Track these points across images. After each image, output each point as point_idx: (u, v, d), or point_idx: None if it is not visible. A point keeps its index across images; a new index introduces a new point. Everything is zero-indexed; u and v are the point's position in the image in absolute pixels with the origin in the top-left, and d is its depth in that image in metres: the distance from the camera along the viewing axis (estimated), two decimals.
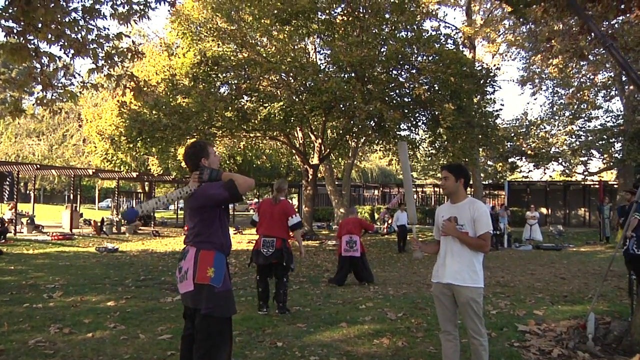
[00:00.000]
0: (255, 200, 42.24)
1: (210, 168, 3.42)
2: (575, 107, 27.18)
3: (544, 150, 27.91)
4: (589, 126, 27.90)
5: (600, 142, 26.07)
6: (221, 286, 3.33)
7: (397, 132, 17.31)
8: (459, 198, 3.96)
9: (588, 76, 26.09)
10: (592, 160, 27.86)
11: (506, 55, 30.93)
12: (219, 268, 3.35)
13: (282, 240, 6.57)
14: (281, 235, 6.59)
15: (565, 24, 9.49)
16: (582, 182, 29.43)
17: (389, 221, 20.82)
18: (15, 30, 6.83)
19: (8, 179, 20.95)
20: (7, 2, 6.61)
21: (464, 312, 3.83)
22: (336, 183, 25.41)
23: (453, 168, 4.02)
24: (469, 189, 28.61)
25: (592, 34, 6.89)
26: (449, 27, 27.75)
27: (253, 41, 17.12)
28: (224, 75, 16.52)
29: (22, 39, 6.98)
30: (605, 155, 26.55)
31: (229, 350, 3.45)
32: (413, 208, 4.32)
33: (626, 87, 24.04)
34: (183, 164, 22.93)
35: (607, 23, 8.38)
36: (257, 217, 6.94)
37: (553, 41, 10.55)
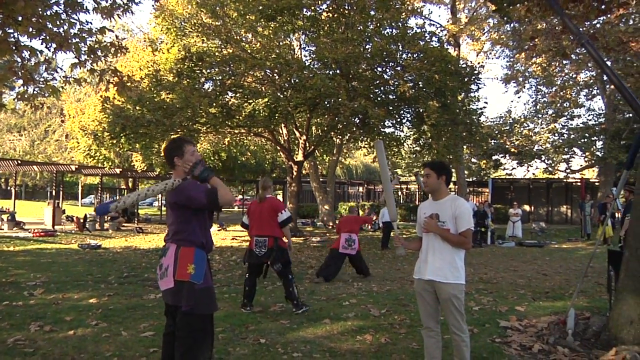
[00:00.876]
0: (240, 197, 42.13)
1: (204, 165, 3.38)
2: (558, 105, 27.44)
3: (527, 148, 28.15)
4: (571, 124, 28.21)
5: (582, 140, 26.38)
6: (202, 283, 3.31)
7: (382, 129, 17.37)
8: (441, 195, 3.99)
9: (570, 75, 26.36)
10: (574, 158, 28.17)
11: (490, 54, 31.24)
12: (199, 265, 3.33)
13: (274, 239, 6.51)
14: (273, 233, 6.52)
15: (548, 23, 9.57)
16: (565, 180, 29.76)
17: (374, 218, 20.85)
18: None
19: None
20: None
21: (445, 308, 3.86)
22: (321, 180, 25.47)
23: (435, 165, 4.05)
24: (453, 186, 28.89)
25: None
26: (434, 24, 28.06)
27: (238, 37, 17.03)
28: (208, 71, 16.42)
29: (1, 32, 6.89)
30: (587, 153, 26.87)
31: (210, 347, 3.44)
32: (393, 205, 4.32)
33: (607, 86, 24.35)
34: None
35: (588, 23, 8.47)
36: (246, 219, 6.87)
37: (536, 40, 10.64)
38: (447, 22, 28.26)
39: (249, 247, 6.69)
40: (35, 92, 8.04)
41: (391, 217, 4.31)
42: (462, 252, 3.91)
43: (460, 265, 3.87)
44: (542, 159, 29.12)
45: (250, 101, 15.81)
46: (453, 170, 26.20)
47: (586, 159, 27.65)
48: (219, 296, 7.44)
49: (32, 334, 5.25)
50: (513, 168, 30.80)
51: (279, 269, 6.49)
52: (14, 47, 7.19)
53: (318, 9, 16.13)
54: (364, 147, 21.62)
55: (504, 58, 32.05)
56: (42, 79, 8.40)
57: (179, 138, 3.67)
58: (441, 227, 3.89)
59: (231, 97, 17.22)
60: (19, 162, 24.17)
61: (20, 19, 6.68)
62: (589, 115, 28.15)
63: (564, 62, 20.05)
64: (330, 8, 16.15)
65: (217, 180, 3.38)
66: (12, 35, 7.09)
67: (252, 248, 6.58)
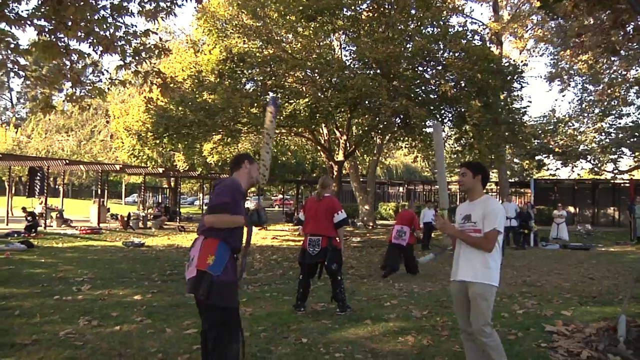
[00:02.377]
0: (280, 196, 42.38)
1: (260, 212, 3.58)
2: (605, 103, 26.64)
3: (572, 148, 27.47)
4: (619, 123, 27.36)
5: (632, 140, 25.52)
6: (220, 275, 3.33)
7: (423, 129, 17.20)
8: (475, 195, 3.96)
9: (620, 72, 25.53)
10: (622, 158, 27.32)
11: (534, 51, 30.49)
12: (220, 257, 3.37)
13: (328, 239, 6.41)
14: (327, 233, 6.41)
15: (596, 19, 9.28)
16: (612, 181, 28.86)
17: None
18: (46, 29, 6.95)
19: (39, 174, 21.38)
20: (39, 2, 6.73)
21: (471, 308, 3.81)
22: (361, 180, 25.38)
23: (471, 165, 4.03)
24: (495, 186, 28.40)
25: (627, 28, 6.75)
26: (475, 23, 27.50)
27: (278, 38, 17.13)
28: (249, 71, 16.57)
29: (53, 37, 7.10)
30: (637, 153, 26.01)
31: (237, 343, 3.43)
32: (445, 192, 4.26)
33: None
34: (208, 160, 23.24)
35: None
36: (302, 216, 6.83)
37: (583, 36, 10.33)
38: (489, 20, 27.81)
39: (303, 247, 6.64)
40: (82, 94, 8.27)
41: (441, 204, 4.25)
42: (496, 252, 3.81)
43: (494, 265, 3.78)
44: (588, 159, 28.37)
45: (291, 101, 15.88)
46: (495, 170, 25.80)
47: (636, 159, 26.77)
48: (260, 295, 7.51)
49: (81, 328, 5.40)
50: (557, 168, 30.13)
51: (336, 268, 6.42)
52: (63, 51, 7.40)
53: (358, 8, 16.07)
54: (405, 147, 21.43)
55: (547, 56, 31.27)
56: (89, 81, 8.64)
57: (249, 154, 3.92)
58: (473, 227, 3.85)
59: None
60: (67, 161, 24.90)
61: (69, 23, 6.88)
62: (639, 114, 27.23)
63: (613, 58, 19.45)
64: (371, 7, 16.07)
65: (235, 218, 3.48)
66: (62, 39, 7.30)
67: (306, 247, 6.51)
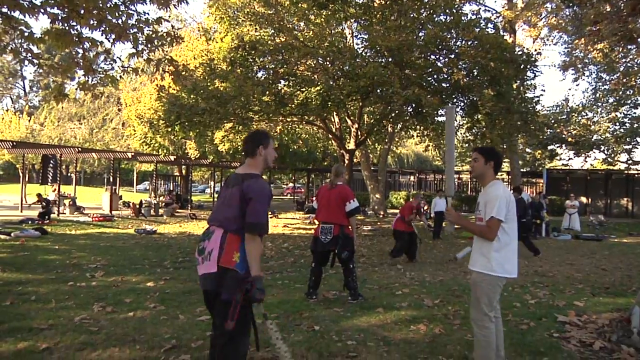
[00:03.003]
0: (291, 184, 42.42)
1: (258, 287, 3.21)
2: (620, 93, 26.33)
3: (585, 138, 27.24)
4: (634, 113, 27.05)
5: None
6: (245, 273, 3.23)
7: (435, 118, 17.11)
8: (485, 182, 3.89)
9: (636, 61, 25.17)
10: (637, 148, 27.04)
11: (548, 40, 30.14)
12: (244, 254, 3.26)
13: (340, 227, 6.42)
14: (339, 221, 6.42)
15: (613, 6, 9.14)
16: (626, 171, 28.59)
17: (425, 208, 20.64)
18: (59, 17, 6.97)
19: (52, 162, 21.57)
20: None
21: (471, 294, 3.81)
22: (372, 168, 25.35)
23: (484, 150, 3.95)
24: (507, 176, 28.23)
25: None
26: (489, 10, 27.34)
27: (290, 25, 17.06)
28: (261, 59, 16.52)
29: (66, 25, 7.13)
30: None
31: (249, 335, 3.39)
32: (452, 179, 4.23)
33: None
34: (220, 148, 23.29)
35: None
36: (316, 204, 6.85)
37: (599, 24, 10.19)
38: (503, 7, 27.50)
39: (315, 235, 6.64)
40: (94, 82, 8.31)
41: (447, 191, 4.21)
42: (502, 242, 3.71)
43: (496, 255, 3.70)
44: (601, 149, 28.12)
45: (303, 89, 15.84)
46: (507, 160, 25.63)
47: None
48: (272, 283, 7.55)
49: (95, 314, 5.46)
50: (570, 158, 29.91)
51: (347, 256, 6.43)
52: (76, 39, 7.43)
53: None
54: (417, 135, 21.35)
55: (561, 44, 31.00)
56: (101, 69, 8.67)
57: (264, 131, 3.72)
58: (478, 215, 3.83)
59: (284, 85, 17.29)
60: (80, 149, 25.07)
61: (82, 11, 6.89)
62: None
63: (629, 47, 19.18)
64: None
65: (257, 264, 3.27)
66: (74, 27, 7.32)
67: (318, 235, 6.52)
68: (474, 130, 18.35)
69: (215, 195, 33.67)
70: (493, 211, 3.64)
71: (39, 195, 19.64)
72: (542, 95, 25.37)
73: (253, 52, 16.06)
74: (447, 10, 15.77)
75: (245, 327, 3.32)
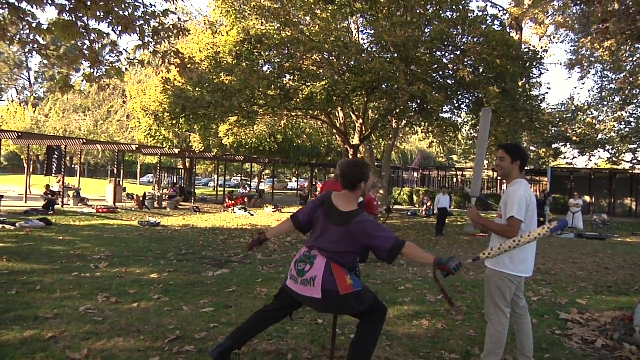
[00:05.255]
0: (294, 178, 42.45)
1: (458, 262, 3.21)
2: (627, 92, 26.23)
3: (590, 137, 27.17)
4: None
5: None
6: (362, 286, 3.43)
7: (440, 114, 17.11)
8: (510, 180, 3.85)
9: None
10: None
11: (554, 38, 30.10)
12: (351, 274, 3.43)
13: None
14: None
15: (621, 4, 9.11)
16: (630, 171, 28.53)
17: (428, 204, 20.66)
18: (67, 8, 6.99)
19: (56, 153, 21.63)
20: None
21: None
22: (376, 164, 25.33)
23: (510, 148, 3.86)
24: None
25: None
26: (495, 7, 27.21)
27: (296, 20, 17.04)
28: (267, 53, 16.52)
29: (73, 16, 7.14)
30: None
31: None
32: (479, 180, 4.19)
33: None
34: (224, 141, 23.32)
35: None
36: None
37: (607, 23, 10.15)
38: (510, 4, 27.43)
39: None
40: (100, 74, 8.33)
41: (473, 191, 4.19)
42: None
43: (510, 255, 3.66)
44: (606, 148, 28.05)
45: (308, 84, 15.83)
46: None
47: None
48: (276, 277, 7.58)
49: (100, 304, 5.49)
50: (574, 157, 29.89)
51: None
52: (83, 31, 7.45)
53: None
54: (422, 132, 21.35)
55: (568, 42, 30.85)
56: (107, 61, 8.69)
57: (365, 162, 3.72)
58: (498, 212, 3.83)
59: (289, 79, 17.29)
60: (84, 141, 25.13)
61: (89, 3, 6.91)
62: None
63: (637, 46, 19.10)
64: None
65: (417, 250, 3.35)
66: (81, 19, 7.33)
67: None
68: (478, 128, 18.33)
69: (220, 189, 33.73)
70: (513, 211, 3.60)
71: (47, 187, 19.75)
72: (547, 93, 25.41)
73: (259, 46, 16.05)
74: (454, 7, 15.73)
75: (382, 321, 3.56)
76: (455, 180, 35.61)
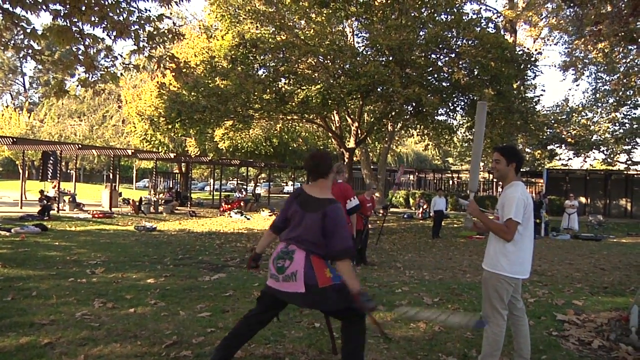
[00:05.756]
0: (290, 182, 42.42)
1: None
2: (620, 93, 26.35)
3: (584, 138, 27.25)
4: (634, 113, 27.07)
5: None
6: (340, 281, 3.41)
7: (435, 117, 17.15)
8: (506, 182, 3.85)
9: (636, 61, 25.19)
10: (636, 149, 27.06)
11: (548, 40, 30.21)
12: (331, 268, 3.45)
13: None
14: None
15: (614, 6, 9.16)
16: (625, 172, 28.63)
17: (424, 207, 20.69)
18: (61, 13, 6.99)
19: (52, 158, 21.56)
20: None
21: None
22: (372, 167, 25.37)
23: (505, 151, 3.87)
24: None
25: None
26: (490, 10, 27.35)
27: (291, 24, 17.09)
28: (262, 57, 16.55)
29: (67, 21, 7.15)
30: None
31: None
32: (477, 175, 4.18)
33: None
34: (220, 145, 23.32)
35: None
36: None
37: (600, 25, 10.21)
38: (504, 7, 27.55)
39: None
40: (95, 79, 8.33)
41: (471, 187, 4.19)
42: (515, 243, 3.69)
43: (507, 257, 3.69)
44: (601, 149, 28.14)
45: (304, 87, 15.87)
46: None
47: None
48: None
49: (96, 310, 5.48)
50: (569, 159, 29.94)
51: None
52: (78, 36, 7.45)
53: None
54: (417, 134, 21.40)
55: (562, 44, 31.05)
56: (102, 66, 8.69)
57: (327, 153, 3.82)
58: (495, 214, 3.84)
59: (284, 83, 17.32)
60: (80, 146, 25.07)
61: (84, 8, 6.91)
62: None
63: (630, 47, 19.20)
64: None
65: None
66: (76, 24, 7.34)
67: None
68: (473, 130, 18.38)
69: (216, 194, 33.69)
70: (511, 213, 3.61)
71: (41, 192, 19.67)
72: (542, 95, 25.50)
73: (254, 50, 16.08)
74: (448, 10, 15.81)
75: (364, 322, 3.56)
76: (451, 182, 35.63)
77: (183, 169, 34.45)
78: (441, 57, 16.79)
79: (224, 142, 22.28)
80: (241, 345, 3.74)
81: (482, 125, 4.21)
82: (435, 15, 15.98)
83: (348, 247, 3.37)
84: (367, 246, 10.51)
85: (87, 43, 7.77)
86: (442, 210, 16.83)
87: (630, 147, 26.88)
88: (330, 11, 15.74)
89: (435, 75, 17.05)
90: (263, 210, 26.21)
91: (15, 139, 21.76)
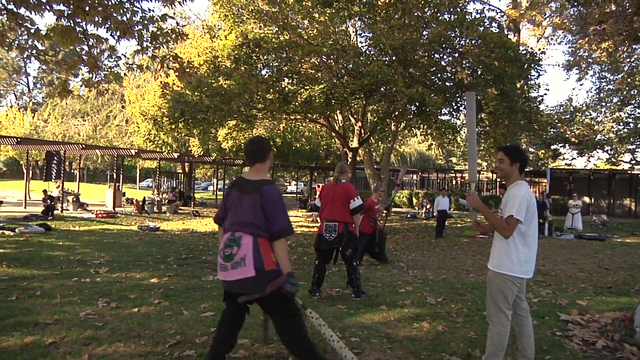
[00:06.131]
0: (293, 182, 42.43)
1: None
2: (625, 92, 26.27)
3: (588, 138, 27.20)
4: (638, 113, 26.98)
5: None
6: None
7: (438, 117, 17.12)
8: (510, 182, 3.84)
9: None
10: None
11: (552, 39, 30.12)
12: None
13: (345, 225, 6.41)
14: (343, 219, 6.41)
15: (618, 5, 9.12)
16: (629, 171, 28.55)
17: (428, 206, 20.66)
18: (65, 14, 7.00)
19: (55, 158, 21.61)
20: None
21: None
22: (375, 167, 25.34)
23: (509, 150, 3.86)
24: None
25: None
26: (493, 9, 27.28)
27: (294, 23, 17.06)
28: (265, 57, 16.53)
29: (71, 22, 7.16)
30: None
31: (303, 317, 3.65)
32: (474, 164, 4.15)
33: None
34: (223, 145, 23.31)
35: None
36: (319, 202, 6.79)
37: (604, 24, 10.16)
38: (507, 6, 27.50)
39: (319, 232, 6.65)
40: (98, 79, 8.34)
41: (470, 177, 4.18)
42: (519, 243, 3.68)
43: (511, 256, 3.68)
44: (605, 149, 28.07)
45: (307, 87, 15.84)
46: None
47: None
48: None
49: (100, 309, 5.49)
50: (573, 158, 29.91)
51: (351, 254, 6.45)
52: (81, 36, 7.46)
53: None
54: (420, 134, 21.38)
55: (566, 44, 30.99)
56: (105, 66, 8.70)
57: (263, 138, 3.89)
58: (499, 213, 3.84)
59: (288, 83, 17.31)
60: (84, 146, 25.13)
61: (87, 8, 6.92)
62: None
63: (634, 46, 19.14)
64: None
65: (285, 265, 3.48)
66: (80, 24, 7.35)
67: (322, 232, 6.52)
68: (477, 129, 18.36)
69: (219, 193, 33.71)
70: (513, 210, 3.60)
71: (45, 192, 19.74)
72: (545, 94, 25.35)
73: (257, 49, 16.07)
74: (452, 9, 15.75)
75: (300, 315, 3.61)
76: (454, 182, 35.58)
77: (186, 168, 34.49)
78: (444, 56, 16.74)
79: (227, 142, 22.27)
80: (230, 349, 3.77)
81: (473, 113, 4.23)
82: (439, 14, 15.93)
83: (285, 226, 3.46)
84: (384, 246, 10.74)
85: (90, 43, 7.78)
86: (446, 210, 16.82)
87: (634, 146, 26.84)
88: (334, 11, 15.71)
89: (439, 75, 17.00)
90: None
91: (19, 139, 21.83)
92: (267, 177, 3.66)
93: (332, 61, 16.12)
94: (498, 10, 26.10)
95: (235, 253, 3.44)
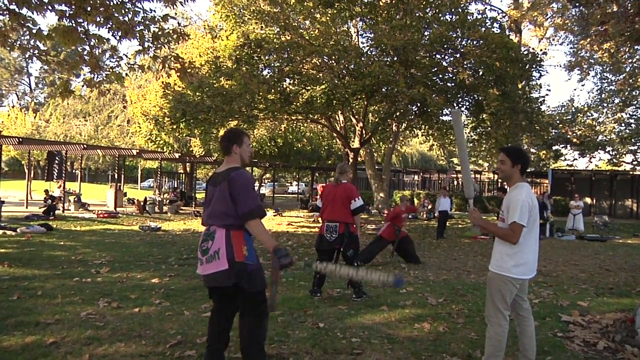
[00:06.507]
0: (295, 183, 42.43)
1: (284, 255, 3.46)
2: (626, 93, 26.24)
3: (590, 138, 27.17)
4: None
5: None
6: (255, 263, 3.51)
7: (440, 117, 17.10)
8: (511, 183, 3.83)
9: None
10: None
11: (553, 40, 30.13)
12: (250, 247, 3.52)
13: (346, 225, 6.42)
14: (344, 219, 6.42)
15: (620, 6, 9.11)
16: (631, 172, 28.51)
17: (429, 207, 20.65)
18: (67, 14, 7.01)
19: (57, 158, 21.64)
20: None
21: None
22: (376, 167, 25.34)
23: (511, 151, 3.85)
24: None
25: None
26: (494, 10, 27.27)
27: (296, 24, 17.06)
28: (266, 57, 16.53)
29: (73, 22, 7.17)
30: None
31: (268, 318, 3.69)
32: (470, 181, 4.14)
33: None
34: None
35: None
36: (320, 202, 6.80)
37: (606, 25, 10.15)
38: (509, 7, 27.48)
39: (320, 232, 6.66)
40: (100, 79, 8.35)
41: (467, 194, 4.14)
42: (520, 245, 3.66)
43: (511, 257, 3.68)
44: (607, 149, 28.05)
45: (308, 88, 15.83)
46: None
47: None
48: None
49: (101, 309, 5.50)
50: (574, 159, 29.90)
51: (352, 254, 6.46)
52: (83, 36, 7.47)
53: None
54: (422, 135, 21.38)
55: (567, 44, 31.00)
56: (107, 66, 8.71)
57: (238, 129, 3.89)
58: (501, 215, 3.84)
59: (289, 83, 17.31)
60: (85, 146, 25.15)
61: (89, 8, 6.93)
62: None
63: (636, 47, 19.12)
64: None
65: (272, 243, 3.50)
66: (81, 24, 7.36)
67: (323, 233, 6.53)
68: (478, 130, 18.37)
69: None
70: (515, 216, 3.58)
71: (46, 191, 19.76)
72: (547, 95, 25.44)
73: (258, 50, 16.07)
74: (453, 10, 15.73)
75: (267, 314, 3.64)
76: (455, 183, 35.56)
77: (188, 169, 34.49)
78: (446, 57, 16.72)
79: None
80: (225, 347, 3.77)
81: (462, 132, 4.23)
82: (440, 15, 15.91)
83: (252, 209, 3.44)
84: (414, 248, 10.92)
85: (92, 43, 7.79)
86: (447, 210, 16.80)
87: (636, 147, 26.79)
88: (335, 11, 15.70)
89: (440, 76, 16.98)
90: (267, 211, 26.22)
91: (21, 139, 21.84)
92: (234, 165, 3.68)
93: (333, 62, 16.11)
94: (500, 11, 26.12)
95: (210, 247, 3.50)
